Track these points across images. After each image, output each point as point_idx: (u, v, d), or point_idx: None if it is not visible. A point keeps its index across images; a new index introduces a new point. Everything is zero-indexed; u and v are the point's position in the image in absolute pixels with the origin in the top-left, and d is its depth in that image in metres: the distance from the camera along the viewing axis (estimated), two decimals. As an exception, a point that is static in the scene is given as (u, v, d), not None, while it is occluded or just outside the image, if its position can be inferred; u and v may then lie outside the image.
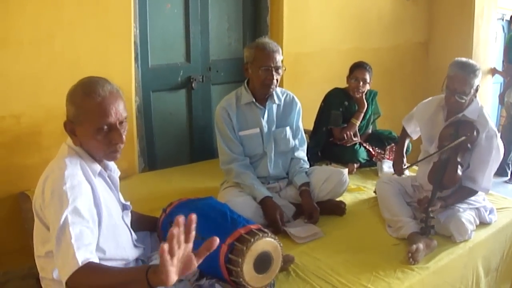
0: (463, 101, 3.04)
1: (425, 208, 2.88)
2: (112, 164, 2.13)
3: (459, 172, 2.97)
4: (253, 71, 3.20)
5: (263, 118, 3.31)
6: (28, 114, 3.41)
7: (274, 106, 3.38)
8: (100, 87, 1.91)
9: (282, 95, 3.43)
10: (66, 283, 1.65)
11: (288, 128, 3.42)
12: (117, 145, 1.96)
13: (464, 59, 3.12)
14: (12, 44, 3.30)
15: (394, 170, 3.58)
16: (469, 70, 3.02)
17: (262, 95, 3.29)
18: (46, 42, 3.41)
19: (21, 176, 3.41)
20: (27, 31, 3.33)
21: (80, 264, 1.65)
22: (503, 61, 7.00)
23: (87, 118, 1.90)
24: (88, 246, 1.73)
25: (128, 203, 2.23)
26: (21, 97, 3.37)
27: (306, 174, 3.39)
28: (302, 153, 3.52)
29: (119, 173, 2.19)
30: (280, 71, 3.20)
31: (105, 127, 1.91)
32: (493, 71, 6.77)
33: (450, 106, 3.14)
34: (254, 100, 3.28)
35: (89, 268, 1.67)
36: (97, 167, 2.01)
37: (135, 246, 2.20)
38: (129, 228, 2.20)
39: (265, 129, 3.32)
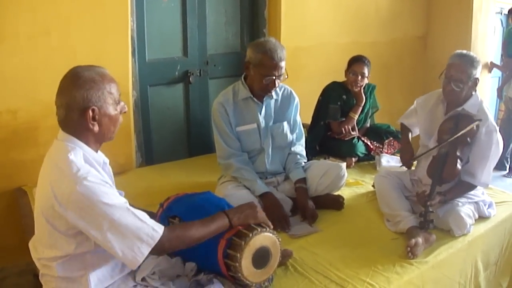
0: (459, 89, 3.04)
1: (424, 202, 2.87)
2: (100, 153, 2.12)
3: (459, 166, 2.96)
4: (256, 75, 3.16)
5: (260, 114, 3.29)
6: (25, 109, 3.40)
7: (272, 101, 3.36)
8: (99, 67, 2.01)
9: (280, 90, 3.41)
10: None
11: (285, 123, 3.40)
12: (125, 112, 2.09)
13: (464, 51, 3.13)
14: (9, 39, 3.29)
15: (402, 162, 3.40)
16: (466, 59, 3.04)
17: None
18: (43, 37, 3.40)
19: (18, 171, 3.41)
20: (23, 25, 3.32)
21: (161, 231, 1.89)
22: (502, 55, 7.00)
23: (111, 93, 1.97)
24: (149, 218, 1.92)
25: (118, 190, 2.22)
26: (18, 92, 3.36)
27: (303, 169, 3.39)
28: (299, 148, 3.50)
29: (108, 160, 2.18)
30: (281, 77, 3.18)
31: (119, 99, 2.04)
32: (491, 66, 6.76)
33: (447, 95, 3.13)
34: (251, 96, 3.26)
35: (173, 230, 1.96)
36: (100, 158, 2.03)
37: None
38: None
39: (262, 124, 3.30)
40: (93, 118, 1.91)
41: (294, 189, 3.29)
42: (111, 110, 1.97)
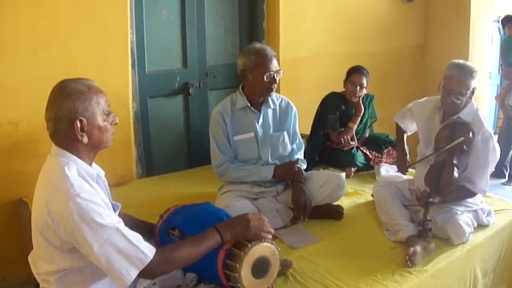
0: (459, 101, 3.05)
1: (425, 202, 2.89)
2: (95, 165, 2.14)
3: (456, 174, 2.97)
4: (255, 77, 3.20)
5: (257, 123, 3.32)
6: (26, 121, 3.41)
7: (269, 111, 3.39)
8: (87, 79, 2.01)
9: (277, 100, 3.45)
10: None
11: (285, 133, 3.43)
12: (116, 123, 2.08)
13: (461, 61, 3.13)
14: (10, 51, 3.31)
15: (398, 168, 3.55)
16: (465, 71, 3.04)
17: (260, 99, 3.31)
18: (44, 49, 3.43)
19: (19, 182, 3.42)
20: (24, 37, 3.35)
21: (151, 255, 1.86)
22: (501, 65, 7.01)
23: (99, 104, 1.96)
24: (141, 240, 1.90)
25: (114, 202, 2.24)
26: (19, 103, 3.38)
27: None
28: (300, 156, 3.52)
29: (103, 172, 2.19)
30: (279, 73, 3.24)
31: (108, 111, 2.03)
32: (501, 102, 6.69)
33: (446, 107, 3.14)
34: (249, 105, 3.30)
35: (161, 253, 1.92)
36: (93, 171, 2.02)
37: None
38: None
39: (260, 134, 3.32)
40: (82, 129, 1.91)
41: (291, 186, 3.31)
42: (100, 121, 1.97)
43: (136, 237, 1.88)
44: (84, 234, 1.78)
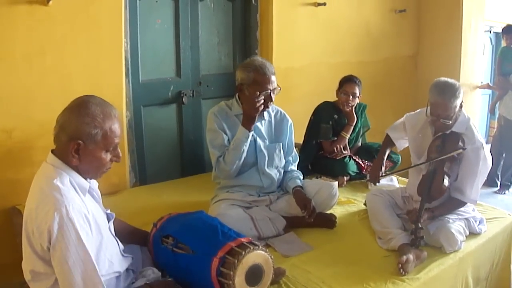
0: (449, 123, 3.07)
1: (414, 219, 2.90)
2: None
3: (446, 182, 2.99)
4: (252, 94, 3.18)
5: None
6: (19, 129, 3.41)
7: (263, 122, 3.39)
8: (112, 107, 2.01)
9: (273, 112, 3.46)
10: None
11: (281, 145, 3.44)
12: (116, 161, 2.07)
13: (442, 80, 3.10)
14: (4, 59, 3.31)
15: (369, 177, 3.53)
16: (449, 95, 3.01)
17: None
18: (38, 57, 3.43)
19: (13, 190, 3.41)
20: (19, 46, 3.35)
21: None
22: (495, 74, 7.08)
23: (106, 138, 1.96)
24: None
25: (108, 210, 2.24)
26: (13, 111, 3.38)
27: (300, 182, 3.42)
28: (294, 168, 3.55)
29: (97, 184, 2.20)
30: (275, 91, 3.23)
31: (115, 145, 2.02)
32: (487, 86, 6.86)
33: (438, 128, 3.16)
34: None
35: None
36: (86, 184, 2.02)
37: (123, 256, 2.21)
38: (116, 238, 2.21)
39: (253, 138, 3.31)
40: (76, 151, 1.92)
41: (292, 193, 3.31)
42: (98, 152, 1.97)
43: (95, 276, 1.88)
44: (56, 248, 1.80)
